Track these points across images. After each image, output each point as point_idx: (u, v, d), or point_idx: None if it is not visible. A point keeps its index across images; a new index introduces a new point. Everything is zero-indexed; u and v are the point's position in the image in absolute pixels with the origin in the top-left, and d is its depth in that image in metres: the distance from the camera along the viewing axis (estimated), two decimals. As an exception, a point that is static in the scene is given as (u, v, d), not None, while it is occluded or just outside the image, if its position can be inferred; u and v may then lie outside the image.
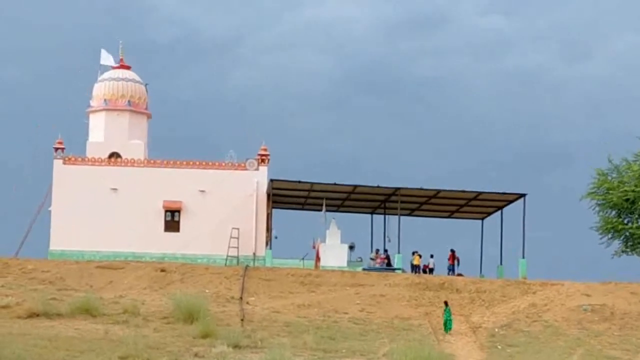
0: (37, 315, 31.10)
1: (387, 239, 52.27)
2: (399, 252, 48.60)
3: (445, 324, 34.19)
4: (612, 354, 30.31)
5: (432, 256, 49.30)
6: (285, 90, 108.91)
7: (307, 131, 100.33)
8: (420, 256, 48.72)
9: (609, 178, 49.49)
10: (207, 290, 36.50)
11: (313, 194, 50.65)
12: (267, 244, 49.44)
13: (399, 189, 48.57)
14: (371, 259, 49.96)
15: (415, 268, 47.86)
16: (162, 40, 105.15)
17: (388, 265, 48.28)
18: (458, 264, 49.64)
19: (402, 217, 49.75)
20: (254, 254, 47.84)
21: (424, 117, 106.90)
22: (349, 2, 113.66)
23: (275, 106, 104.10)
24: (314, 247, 48.32)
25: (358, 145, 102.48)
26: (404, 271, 46.80)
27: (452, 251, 49.96)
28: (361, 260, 49.92)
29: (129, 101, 53.01)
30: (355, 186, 49.26)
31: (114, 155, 51.58)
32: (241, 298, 36.18)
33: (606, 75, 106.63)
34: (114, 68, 54.32)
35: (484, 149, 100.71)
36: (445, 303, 35.42)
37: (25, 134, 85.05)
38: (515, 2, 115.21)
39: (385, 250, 50.75)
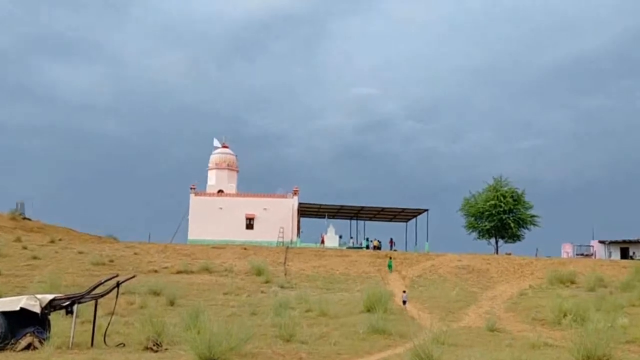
0: (181, 272, 30.92)
1: (357, 232, 52.42)
2: (365, 239, 48.95)
3: (389, 266, 34.81)
4: (473, 290, 29.65)
5: (379, 241, 48.18)
6: (309, 159, 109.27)
7: (319, 178, 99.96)
8: (379, 241, 47.64)
9: (470, 201, 50.91)
10: (267, 259, 36.23)
11: (321, 210, 50.06)
12: (297, 235, 48.97)
13: (364, 207, 48.54)
14: (352, 243, 49.51)
15: (373, 247, 47.00)
16: (248, 133, 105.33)
17: (359, 246, 48.21)
18: (395, 245, 49.00)
19: (366, 222, 50.84)
20: (291, 240, 47.13)
21: (377, 172, 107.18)
22: (341, 114, 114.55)
23: (301, 166, 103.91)
24: (321, 236, 48.39)
25: (344, 185, 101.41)
26: (368, 248, 46.42)
27: (391, 239, 49.70)
28: (345, 243, 49.18)
29: (227, 164, 52.99)
30: (342, 205, 48.92)
31: (220, 191, 51.46)
32: (284, 262, 35.99)
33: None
34: (220, 148, 53.99)
35: (407, 186, 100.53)
36: (390, 257, 36.16)
37: (174, 183, 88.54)
38: (427, 111, 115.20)
39: (356, 238, 50.91)
